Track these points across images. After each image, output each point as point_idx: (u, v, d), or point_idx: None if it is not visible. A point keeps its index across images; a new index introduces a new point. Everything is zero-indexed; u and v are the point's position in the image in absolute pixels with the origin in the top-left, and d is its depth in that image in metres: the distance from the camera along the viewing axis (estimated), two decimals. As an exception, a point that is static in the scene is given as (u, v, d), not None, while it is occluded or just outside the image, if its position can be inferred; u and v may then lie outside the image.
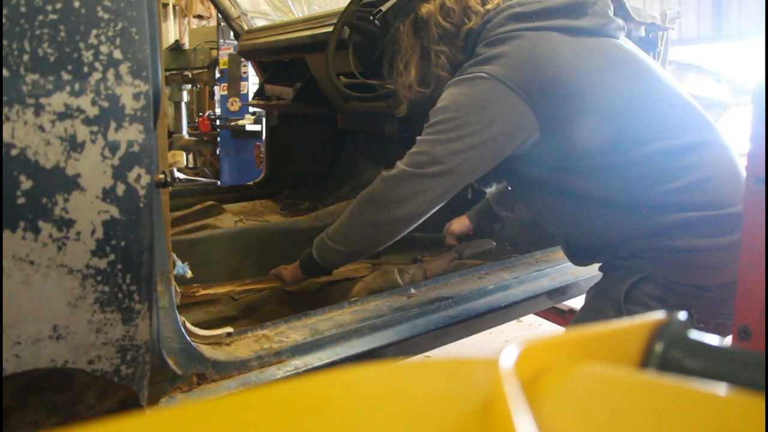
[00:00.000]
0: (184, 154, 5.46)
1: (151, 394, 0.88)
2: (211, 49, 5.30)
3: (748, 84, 2.59)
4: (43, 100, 0.69)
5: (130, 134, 0.75)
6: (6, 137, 0.66)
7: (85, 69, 0.71)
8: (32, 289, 0.71)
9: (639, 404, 0.25)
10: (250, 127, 4.61)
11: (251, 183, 2.66)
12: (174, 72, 5.54)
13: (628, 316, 1.07)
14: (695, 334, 0.31)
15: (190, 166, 6.40)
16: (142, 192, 0.77)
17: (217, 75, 5.20)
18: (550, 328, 2.47)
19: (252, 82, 4.62)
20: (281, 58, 2.32)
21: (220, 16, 3.55)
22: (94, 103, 0.72)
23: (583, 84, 1.07)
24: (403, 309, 1.27)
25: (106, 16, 0.72)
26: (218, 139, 5.26)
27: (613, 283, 1.16)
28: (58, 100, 0.70)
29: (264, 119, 2.98)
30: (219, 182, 5.14)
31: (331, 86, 1.70)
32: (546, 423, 0.23)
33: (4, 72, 0.66)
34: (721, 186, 1.07)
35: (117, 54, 0.73)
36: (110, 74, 0.73)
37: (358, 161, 2.65)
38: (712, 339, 0.31)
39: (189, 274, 1.17)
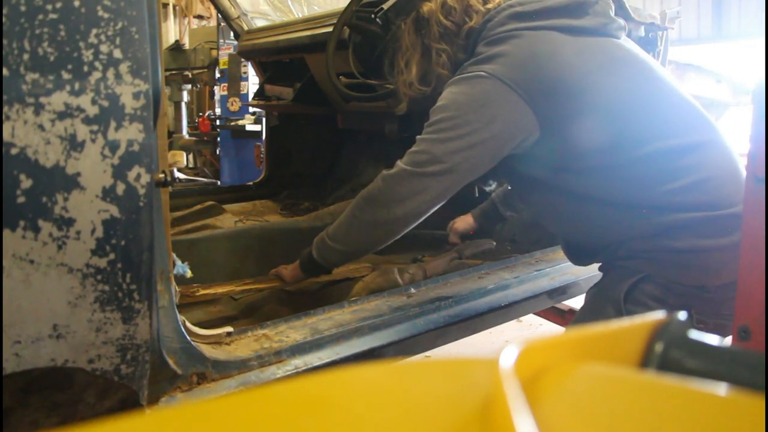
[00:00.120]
0: (184, 154, 5.46)
1: (151, 394, 0.88)
2: (211, 49, 5.30)
3: (748, 84, 2.59)
4: (43, 100, 0.69)
5: (130, 133, 0.75)
6: (6, 136, 0.66)
7: (85, 68, 0.71)
8: (32, 288, 0.71)
9: (639, 404, 0.25)
10: (250, 127, 4.62)
11: (251, 183, 2.66)
12: (174, 72, 5.54)
13: (628, 316, 1.07)
14: (695, 334, 0.31)
15: (190, 166, 6.40)
16: (142, 191, 0.77)
17: (217, 75, 5.20)
18: (550, 328, 2.47)
19: (252, 82, 4.62)
20: (281, 58, 2.32)
21: (220, 16, 3.55)
22: (94, 102, 0.72)
23: (583, 83, 1.07)
24: (403, 309, 1.27)
25: (106, 15, 0.72)
26: (218, 139, 5.26)
27: (613, 284, 1.16)
28: (58, 100, 0.70)
29: (264, 119, 2.98)
30: (219, 182, 5.14)
31: (331, 86, 1.70)
32: (546, 423, 0.23)
33: (4, 71, 0.66)
34: (721, 186, 1.07)
35: (117, 53, 0.73)
36: (110, 73, 0.73)
37: (358, 161, 2.65)
38: (712, 339, 0.31)
39: (189, 274, 1.17)
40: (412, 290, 1.39)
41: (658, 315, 0.33)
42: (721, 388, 0.26)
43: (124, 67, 0.74)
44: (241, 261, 1.77)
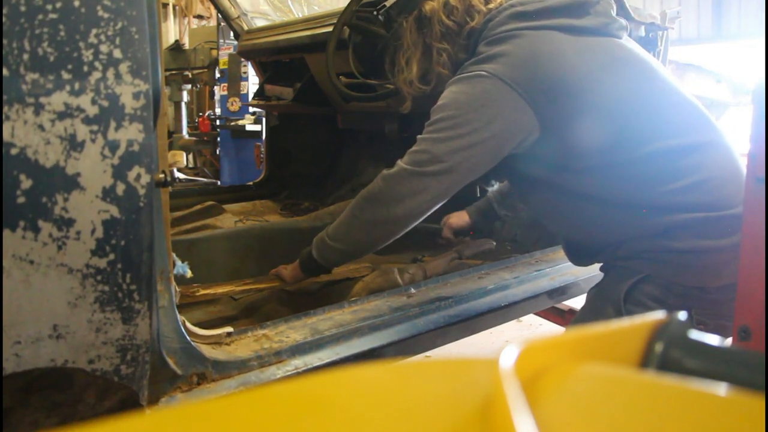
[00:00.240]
0: (184, 154, 5.46)
1: (151, 394, 0.88)
2: (211, 49, 5.30)
3: (748, 84, 2.59)
4: (42, 100, 0.69)
5: (130, 133, 0.75)
6: (6, 136, 0.66)
7: (85, 68, 0.71)
8: (32, 289, 0.71)
9: (639, 404, 0.25)
10: (250, 127, 4.62)
11: (251, 183, 2.66)
12: (174, 72, 5.54)
13: (628, 317, 1.07)
14: (695, 334, 0.31)
15: (190, 166, 6.40)
16: (142, 191, 0.77)
17: (217, 75, 5.20)
18: (550, 328, 2.47)
19: (252, 82, 4.62)
20: (281, 58, 2.32)
21: (220, 16, 3.55)
22: (93, 102, 0.72)
23: (583, 83, 1.07)
24: (403, 309, 1.27)
25: (105, 15, 0.72)
26: (218, 139, 5.26)
27: (613, 284, 1.16)
28: (58, 100, 0.70)
29: (264, 119, 2.98)
30: (219, 182, 5.14)
31: (331, 86, 1.70)
32: (546, 423, 0.23)
33: (4, 71, 0.66)
34: (722, 187, 1.07)
35: (117, 53, 0.73)
36: (110, 73, 0.73)
37: (358, 161, 2.65)
38: (712, 339, 0.31)
39: (189, 274, 1.17)
40: (412, 290, 1.39)
41: (658, 315, 0.33)
42: (721, 388, 0.26)
43: (124, 67, 0.74)
44: (241, 261, 1.77)
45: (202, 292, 1.35)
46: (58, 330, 0.74)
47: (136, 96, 0.75)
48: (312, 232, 1.35)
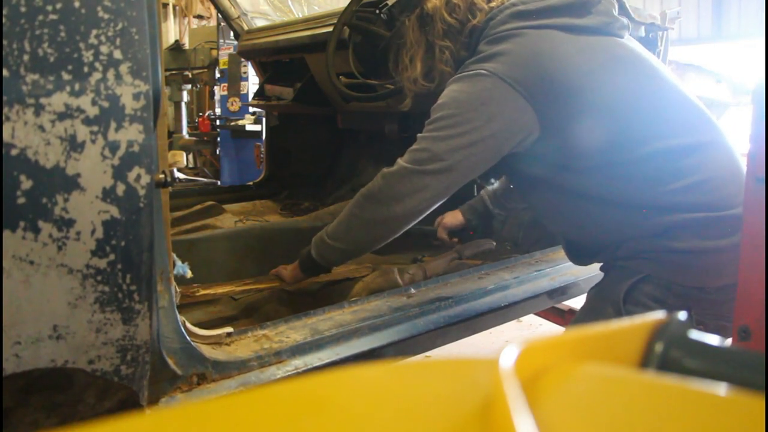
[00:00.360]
0: (184, 154, 5.46)
1: (151, 394, 0.88)
2: (211, 49, 5.30)
3: (748, 84, 2.59)
4: (43, 100, 0.69)
5: (130, 134, 0.75)
6: (6, 137, 0.66)
7: (85, 69, 0.71)
8: (32, 289, 0.71)
9: (639, 404, 0.25)
10: (250, 127, 4.62)
11: (251, 183, 2.66)
12: (174, 72, 5.54)
13: (628, 317, 1.07)
14: (695, 334, 0.31)
15: (190, 166, 6.40)
16: (142, 192, 0.77)
17: (217, 75, 5.20)
18: (550, 328, 2.47)
19: (252, 82, 4.62)
20: (281, 58, 2.32)
21: (220, 16, 3.56)
22: (94, 103, 0.72)
23: (584, 82, 1.07)
24: (403, 309, 1.27)
25: (106, 16, 0.72)
26: (218, 139, 5.26)
27: (613, 284, 1.16)
28: (58, 100, 0.70)
29: (264, 119, 2.98)
30: (219, 182, 5.14)
31: (331, 86, 1.70)
32: (546, 423, 0.23)
33: (4, 72, 0.66)
34: (722, 187, 1.07)
35: (117, 54, 0.73)
36: (110, 74, 0.73)
37: (358, 161, 2.65)
38: (712, 339, 0.31)
39: (189, 274, 1.17)
40: (412, 290, 1.39)
41: (658, 315, 0.33)
42: (721, 388, 0.26)
43: (124, 68, 0.74)
44: (241, 261, 1.77)
45: (202, 292, 1.35)
46: (58, 330, 0.74)
47: (136, 97, 0.75)
48: (312, 232, 1.35)
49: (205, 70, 5.43)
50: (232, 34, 2.95)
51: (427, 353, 1.33)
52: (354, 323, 1.18)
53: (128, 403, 0.87)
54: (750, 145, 0.72)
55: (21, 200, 0.68)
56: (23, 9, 0.67)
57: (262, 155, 3.63)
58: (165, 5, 7.59)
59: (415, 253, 1.89)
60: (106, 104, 0.73)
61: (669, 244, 1.07)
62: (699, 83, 2.54)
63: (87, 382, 0.84)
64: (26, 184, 0.68)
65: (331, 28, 1.72)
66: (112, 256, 0.75)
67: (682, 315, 0.32)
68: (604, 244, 1.18)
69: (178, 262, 1.12)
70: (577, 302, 1.69)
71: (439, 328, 1.25)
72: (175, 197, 2.33)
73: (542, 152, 1.13)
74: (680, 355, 0.30)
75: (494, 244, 1.81)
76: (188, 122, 5.95)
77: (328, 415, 0.24)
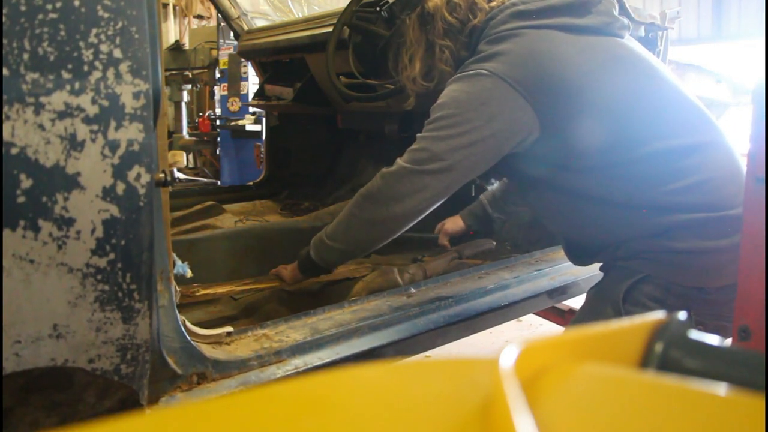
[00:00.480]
0: (184, 154, 5.46)
1: (151, 394, 0.88)
2: (211, 49, 5.30)
3: (748, 84, 2.59)
4: (43, 99, 0.69)
5: (130, 133, 0.75)
6: (6, 136, 0.66)
7: (85, 68, 0.71)
8: (32, 288, 0.71)
9: (639, 404, 0.25)
10: (250, 127, 4.61)
11: (251, 183, 2.66)
12: (174, 72, 5.54)
13: (627, 317, 1.07)
14: (695, 334, 0.31)
15: (190, 166, 6.40)
16: (142, 191, 0.77)
17: (217, 75, 5.20)
18: (550, 328, 2.47)
19: (252, 82, 4.62)
20: (281, 58, 2.32)
21: (220, 16, 3.55)
22: (94, 101, 0.72)
23: (583, 82, 1.07)
24: (403, 308, 1.27)
25: (106, 15, 0.72)
26: (218, 139, 5.26)
27: (613, 284, 1.16)
28: (58, 99, 0.70)
29: (264, 119, 2.98)
30: (219, 182, 5.14)
31: (331, 86, 1.70)
32: (546, 423, 0.23)
33: (4, 71, 0.66)
34: (722, 187, 1.07)
35: (117, 53, 0.73)
36: (110, 73, 0.73)
37: (358, 161, 2.65)
38: (712, 339, 0.31)
39: (189, 273, 1.17)
40: (412, 290, 1.39)
41: (658, 315, 0.33)
42: (721, 388, 0.26)
43: (124, 67, 0.74)
44: (241, 261, 1.77)
45: (202, 292, 1.35)
46: (58, 329, 0.74)
47: (136, 96, 0.75)
48: (312, 232, 1.35)
49: (205, 70, 5.43)
50: (232, 34, 2.95)
51: (427, 353, 1.33)
52: (354, 323, 1.18)
53: (128, 403, 0.87)
54: (750, 145, 0.72)
55: (21, 199, 0.68)
56: (23, 8, 0.67)
57: (262, 155, 3.63)
58: (165, 5, 7.59)
59: (415, 253, 1.89)
60: (106, 103, 0.73)
61: (669, 244, 1.07)
62: (699, 83, 2.54)
63: (87, 381, 0.84)
64: (26, 183, 0.68)
65: (331, 28, 1.72)
66: (112, 255, 0.75)
67: (682, 315, 0.32)
68: (604, 244, 1.18)
69: (178, 262, 1.12)
70: (577, 302, 1.69)
71: (439, 327, 1.25)
72: (175, 197, 2.33)
73: (542, 152, 1.13)
74: (680, 355, 0.30)
75: (494, 243, 1.82)
76: (188, 122, 5.95)
77: (328, 415, 0.24)
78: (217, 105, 5.43)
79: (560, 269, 1.62)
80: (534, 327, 2.85)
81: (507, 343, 0.28)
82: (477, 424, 0.24)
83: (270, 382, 0.62)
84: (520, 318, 2.65)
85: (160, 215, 0.84)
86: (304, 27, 2.13)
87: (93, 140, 0.72)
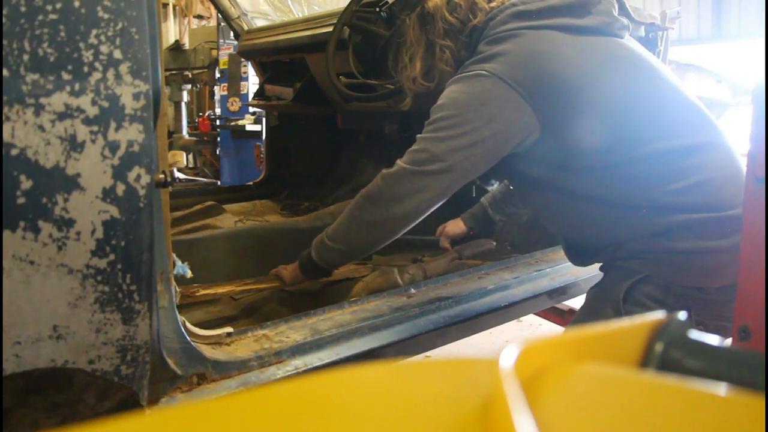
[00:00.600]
0: (184, 154, 5.46)
1: (151, 394, 0.88)
2: (211, 49, 5.30)
3: (748, 84, 2.59)
4: (43, 100, 0.69)
5: (130, 134, 0.75)
6: (6, 137, 0.66)
7: (85, 69, 0.71)
8: (32, 289, 0.71)
9: (639, 404, 0.25)
10: (250, 127, 4.62)
11: (251, 183, 2.66)
12: (174, 72, 5.54)
13: (627, 317, 1.07)
14: (695, 334, 0.31)
15: (190, 166, 6.40)
16: (142, 192, 0.77)
17: (217, 75, 5.20)
18: (550, 328, 2.47)
19: (252, 82, 4.63)
20: (281, 58, 2.32)
21: (220, 16, 3.56)
22: (94, 102, 0.72)
23: (583, 82, 1.07)
24: (403, 309, 1.27)
25: (106, 16, 0.72)
26: (218, 139, 5.26)
27: (613, 284, 1.16)
28: (58, 100, 0.70)
29: (264, 119, 2.98)
30: (219, 182, 5.14)
31: (331, 86, 1.70)
32: (546, 423, 0.23)
33: (4, 72, 0.66)
34: (722, 188, 1.07)
35: (117, 54, 0.73)
36: (110, 74, 0.73)
37: (358, 161, 2.65)
38: (712, 339, 0.31)
39: (189, 274, 1.17)
40: (412, 290, 1.39)
41: (658, 315, 0.33)
42: (721, 388, 0.26)
43: (124, 68, 0.74)
44: (241, 261, 1.77)
45: (202, 292, 1.35)
46: (58, 330, 0.74)
47: (136, 96, 0.75)
48: (312, 232, 1.35)
49: (205, 70, 5.44)
50: (232, 34, 2.95)
51: (427, 353, 1.33)
52: (354, 323, 1.18)
53: (128, 403, 0.87)
54: (750, 145, 0.72)
55: (21, 200, 0.68)
56: (23, 9, 0.67)
57: (262, 155, 3.63)
58: (165, 5, 7.59)
59: (415, 253, 1.89)
60: (105, 104, 0.73)
61: (669, 244, 1.07)
62: (699, 83, 2.54)
63: (87, 382, 0.84)
64: (26, 184, 0.68)
65: (331, 28, 1.72)
66: (112, 256, 0.75)
67: (682, 315, 0.32)
68: (604, 244, 1.18)
69: (178, 262, 1.12)
70: (577, 302, 1.69)
71: (439, 328, 1.25)
72: (175, 197, 2.33)
73: (542, 153, 1.13)
74: (680, 355, 0.30)
75: (494, 244, 1.82)
76: (188, 122, 5.95)
77: (328, 415, 0.24)
78: (217, 105, 5.44)
79: (560, 269, 1.62)
80: (534, 327, 2.85)
81: (507, 343, 0.28)
82: (477, 424, 0.24)
83: (270, 383, 0.62)
84: (520, 318, 2.65)
85: (160, 216, 0.84)
86: (304, 27, 2.13)
87: (93, 141, 0.72)
